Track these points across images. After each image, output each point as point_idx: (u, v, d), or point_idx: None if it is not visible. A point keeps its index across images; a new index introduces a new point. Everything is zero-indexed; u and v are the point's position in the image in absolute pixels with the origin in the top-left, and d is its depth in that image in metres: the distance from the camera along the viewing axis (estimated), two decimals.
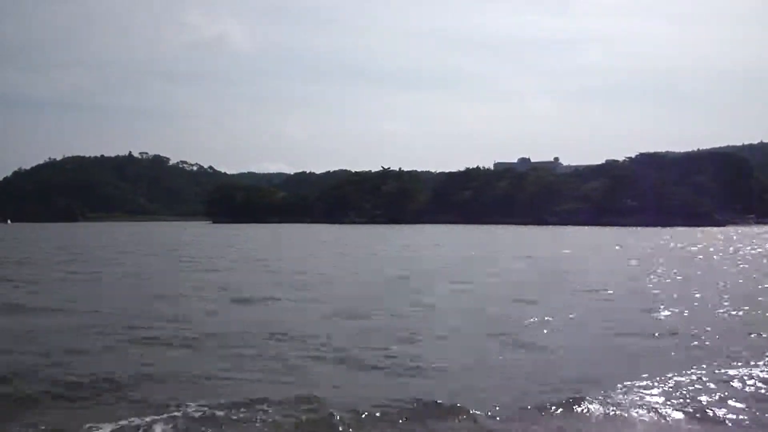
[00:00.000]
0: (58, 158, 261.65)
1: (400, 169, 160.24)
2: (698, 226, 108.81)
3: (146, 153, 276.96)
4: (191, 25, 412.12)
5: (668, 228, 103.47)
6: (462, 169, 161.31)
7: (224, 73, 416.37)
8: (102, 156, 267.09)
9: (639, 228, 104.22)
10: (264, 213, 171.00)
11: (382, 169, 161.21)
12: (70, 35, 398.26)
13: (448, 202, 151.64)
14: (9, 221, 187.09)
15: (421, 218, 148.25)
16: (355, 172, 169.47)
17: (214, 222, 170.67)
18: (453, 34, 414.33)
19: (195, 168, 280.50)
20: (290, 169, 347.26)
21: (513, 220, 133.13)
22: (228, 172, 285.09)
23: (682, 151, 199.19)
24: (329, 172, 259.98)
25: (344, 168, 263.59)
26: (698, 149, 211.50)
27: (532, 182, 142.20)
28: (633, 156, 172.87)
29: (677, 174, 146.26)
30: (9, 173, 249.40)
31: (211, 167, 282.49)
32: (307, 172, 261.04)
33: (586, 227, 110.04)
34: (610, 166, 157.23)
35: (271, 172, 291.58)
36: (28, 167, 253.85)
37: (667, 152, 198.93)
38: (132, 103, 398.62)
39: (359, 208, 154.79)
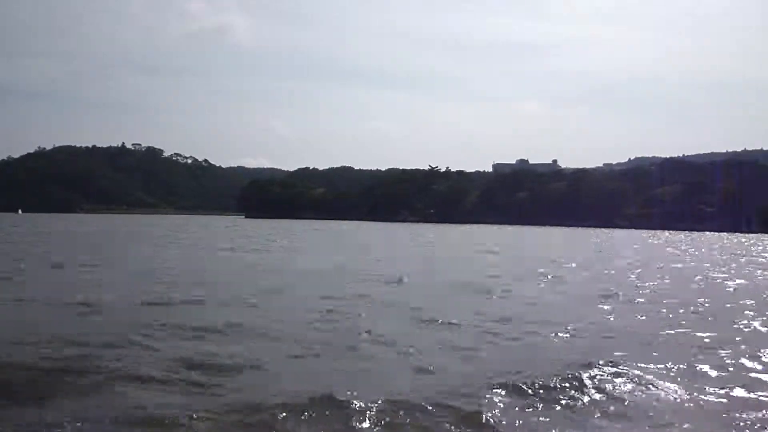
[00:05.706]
0: (48, 147, 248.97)
1: (447, 168, 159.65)
2: None
3: (139, 144, 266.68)
4: (192, 15, 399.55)
5: (754, 235, 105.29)
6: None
7: (218, 66, 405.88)
8: (94, 147, 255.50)
9: (725, 234, 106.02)
10: (301, 209, 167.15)
11: (429, 167, 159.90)
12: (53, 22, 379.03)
13: (498, 202, 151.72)
14: (20, 211, 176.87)
15: (471, 218, 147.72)
16: (403, 170, 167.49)
17: (248, 217, 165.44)
18: (436, 37, 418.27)
19: (190, 161, 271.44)
20: (272, 165, 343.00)
21: (573, 222, 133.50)
22: (223, 166, 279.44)
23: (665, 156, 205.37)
24: (332, 168, 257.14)
25: (345, 165, 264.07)
26: (684, 155, 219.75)
27: (592, 185, 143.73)
28: (637, 157, 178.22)
29: (697, 179, 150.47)
30: None
31: (206, 160, 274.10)
32: (310, 168, 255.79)
33: (669, 232, 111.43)
34: (640, 169, 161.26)
35: (256, 167, 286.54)
36: (16, 156, 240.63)
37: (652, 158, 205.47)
38: (117, 94, 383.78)
39: (411, 207, 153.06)
